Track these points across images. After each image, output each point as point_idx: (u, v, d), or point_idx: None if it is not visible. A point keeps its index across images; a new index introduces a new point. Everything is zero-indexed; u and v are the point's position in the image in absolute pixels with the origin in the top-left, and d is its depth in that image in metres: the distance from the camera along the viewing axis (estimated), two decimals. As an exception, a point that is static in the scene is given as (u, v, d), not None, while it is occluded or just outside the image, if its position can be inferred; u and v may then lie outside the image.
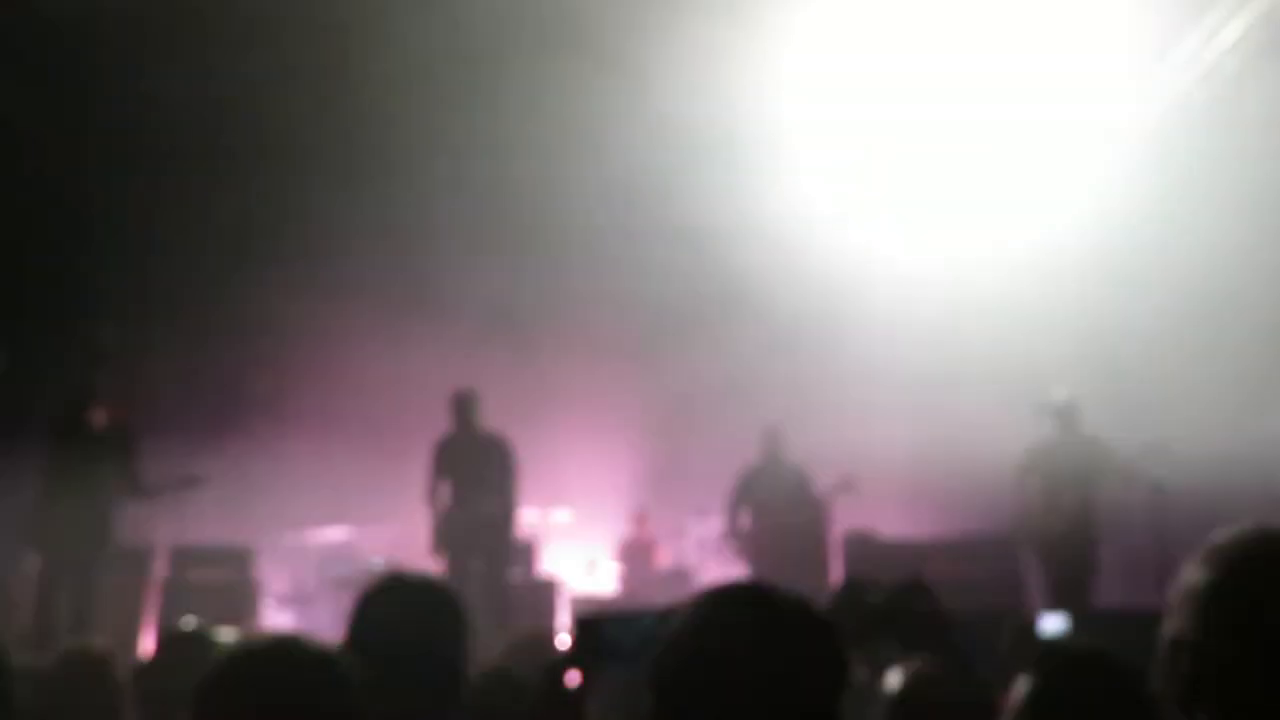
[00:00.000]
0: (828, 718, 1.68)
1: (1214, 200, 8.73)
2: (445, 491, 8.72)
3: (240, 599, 9.19)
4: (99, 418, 7.81)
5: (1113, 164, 10.19)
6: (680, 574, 10.26)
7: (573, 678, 2.19)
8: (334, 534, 10.60)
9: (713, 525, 10.21)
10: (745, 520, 9.65)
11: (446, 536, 8.60)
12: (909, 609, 2.26)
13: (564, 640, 2.19)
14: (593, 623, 2.24)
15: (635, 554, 10.78)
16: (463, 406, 8.72)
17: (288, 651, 2.01)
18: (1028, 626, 4.24)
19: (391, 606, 2.57)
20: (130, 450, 7.94)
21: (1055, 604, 8.15)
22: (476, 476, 8.59)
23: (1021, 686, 2.43)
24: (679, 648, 1.73)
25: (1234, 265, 8.50)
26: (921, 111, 9.83)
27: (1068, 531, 8.42)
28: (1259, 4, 8.43)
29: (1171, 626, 1.53)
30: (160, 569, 9.26)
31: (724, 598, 1.78)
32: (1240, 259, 8.42)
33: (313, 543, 10.58)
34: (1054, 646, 3.40)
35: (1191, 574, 1.53)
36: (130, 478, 7.87)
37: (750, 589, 1.80)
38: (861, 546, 9.17)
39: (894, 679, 2.73)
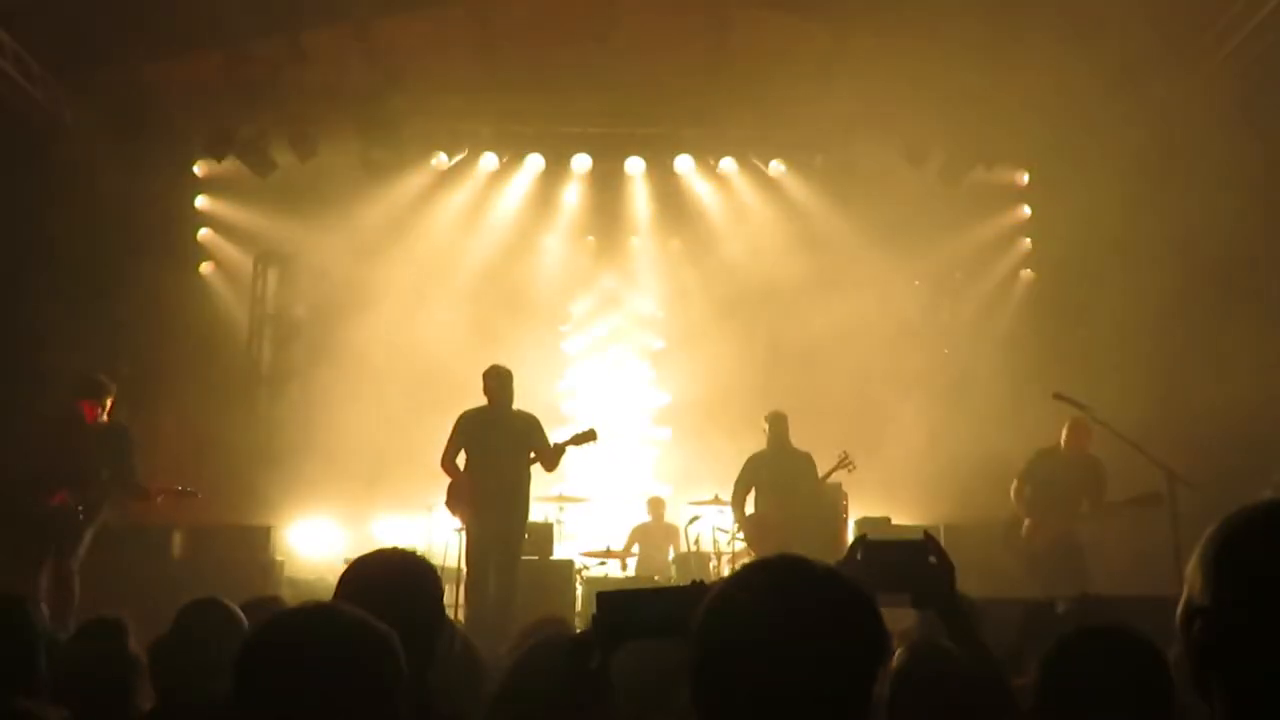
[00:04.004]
0: (868, 690, 1.68)
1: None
2: (462, 459, 8.62)
3: (258, 578, 9.30)
4: None
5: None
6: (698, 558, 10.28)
7: (596, 655, 2.20)
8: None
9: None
10: (752, 507, 9.66)
11: (466, 498, 8.51)
12: (921, 564, 2.28)
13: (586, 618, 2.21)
14: (615, 599, 2.25)
15: (652, 539, 10.84)
16: (495, 383, 8.62)
17: (332, 617, 2.02)
18: (1044, 607, 4.26)
19: (369, 575, 2.66)
20: None
21: None
22: (498, 450, 8.51)
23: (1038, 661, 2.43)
24: (722, 618, 1.72)
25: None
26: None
27: None
28: None
29: (1186, 594, 1.54)
30: (179, 548, 9.39)
31: (768, 570, 1.78)
32: None
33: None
34: (1070, 622, 3.42)
35: (1205, 541, 1.54)
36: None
37: (794, 562, 1.78)
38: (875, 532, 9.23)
39: (897, 653, 2.74)
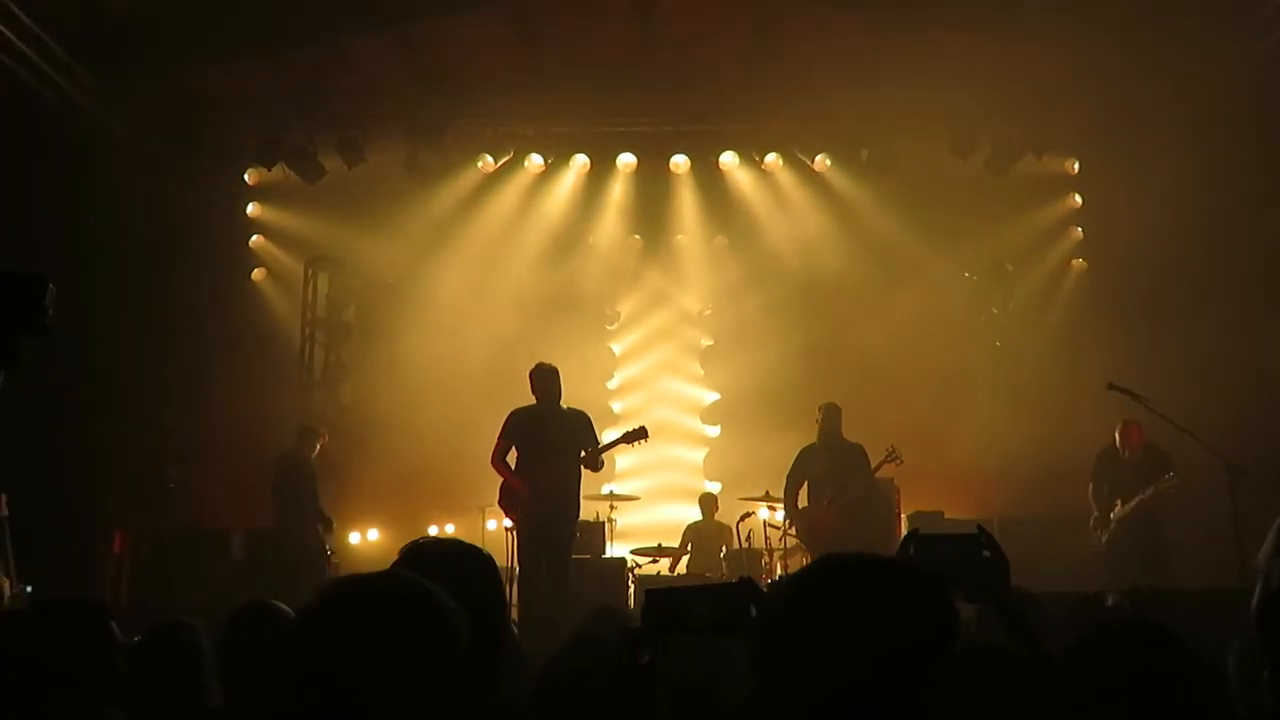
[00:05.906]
0: (936, 676, 1.69)
1: None
2: (512, 457, 8.61)
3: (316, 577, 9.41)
4: None
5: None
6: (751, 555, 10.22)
7: (645, 651, 2.21)
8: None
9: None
10: (805, 500, 9.56)
11: (518, 496, 8.51)
12: (973, 558, 2.26)
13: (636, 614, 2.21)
14: (663, 596, 2.27)
15: (704, 537, 10.84)
16: (542, 381, 8.58)
17: (388, 586, 1.96)
18: (1093, 600, 4.22)
19: (421, 568, 2.55)
20: None
21: None
22: (549, 448, 8.46)
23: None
24: (797, 615, 1.73)
25: None
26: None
27: None
28: None
29: (1262, 583, 1.52)
30: (238, 549, 9.54)
31: (839, 567, 1.79)
32: None
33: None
34: (1118, 616, 3.38)
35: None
36: None
37: (868, 558, 1.80)
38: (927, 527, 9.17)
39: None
